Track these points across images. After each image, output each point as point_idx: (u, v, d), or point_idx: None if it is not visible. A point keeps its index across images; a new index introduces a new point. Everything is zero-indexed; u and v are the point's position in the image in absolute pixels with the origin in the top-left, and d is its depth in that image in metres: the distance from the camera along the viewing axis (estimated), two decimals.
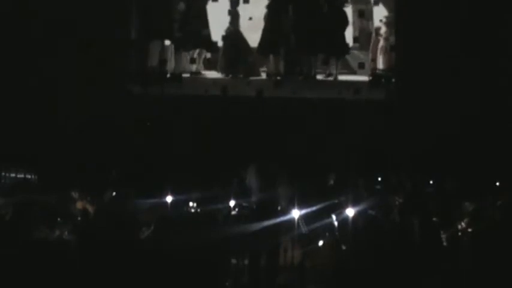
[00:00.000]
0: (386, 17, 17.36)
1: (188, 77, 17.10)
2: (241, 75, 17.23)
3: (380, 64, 17.36)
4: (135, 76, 16.23)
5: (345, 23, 17.05)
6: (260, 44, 17.18)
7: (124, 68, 16.10)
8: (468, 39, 15.69)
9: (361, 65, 17.35)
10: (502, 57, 15.77)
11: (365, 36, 17.91)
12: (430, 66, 15.74)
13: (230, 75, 17.29)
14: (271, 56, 17.37)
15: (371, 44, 17.67)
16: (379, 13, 17.59)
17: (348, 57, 17.66)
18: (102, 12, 15.50)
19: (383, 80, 16.83)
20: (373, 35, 17.70)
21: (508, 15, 15.78)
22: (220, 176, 12.78)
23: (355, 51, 17.86)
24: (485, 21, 15.74)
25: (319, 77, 17.32)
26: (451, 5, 15.76)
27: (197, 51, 17.41)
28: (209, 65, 17.56)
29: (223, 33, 17.24)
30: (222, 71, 17.43)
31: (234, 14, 17.19)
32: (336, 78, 17.13)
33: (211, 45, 17.30)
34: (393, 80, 16.63)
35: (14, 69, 15.31)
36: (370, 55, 17.60)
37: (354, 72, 17.60)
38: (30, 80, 15.31)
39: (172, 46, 17.32)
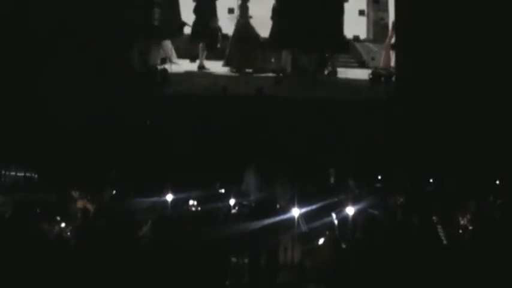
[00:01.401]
0: None
1: (188, 76, 17.08)
2: (251, 70, 17.02)
3: (393, 60, 16.99)
4: (135, 76, 16.21)
5: (340, 12, 16.75)
6: (271, 37, 16.91)
7: (124, 67, 16.08)
8: (468, 40, 15.68)
9: (362, 64, 17.30)
10: (502, 58, 15.77)
11: (380, 28, 17.58)
12: (430, 66, 15.74)
13: (235, 70, 17.08)
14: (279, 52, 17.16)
15: (387, 38, 17.29)
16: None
17: (360, 49, 17.46)
18: (102, 12, 15.50)
19: (382, 78, 16.76)
20: (390, 28, 17.28)
21: (507, 16, 15.79)
22: (220, 176, 12.80)
23: (369, 44, 17.61)
24: (485, 22, 15.74)
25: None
26: (450, 5, 15.76)
27: (201, 45, 17.33)
28: (216, 56, 17.38)
29: (233, 26, 17.13)
30: (230, 64, 17.19)
31: (243, 7, 17.10)
32: (335, 74, 16.92)
33: (217, 39, 17.19)
34: (393, 79, 16.60)
35: (14, 69, 15.30)
36: (384, 52, 17.29)
37: (364, 66, 17.29)
38: (30, 80, 15.31)
39: (172, 44, 17.35)
